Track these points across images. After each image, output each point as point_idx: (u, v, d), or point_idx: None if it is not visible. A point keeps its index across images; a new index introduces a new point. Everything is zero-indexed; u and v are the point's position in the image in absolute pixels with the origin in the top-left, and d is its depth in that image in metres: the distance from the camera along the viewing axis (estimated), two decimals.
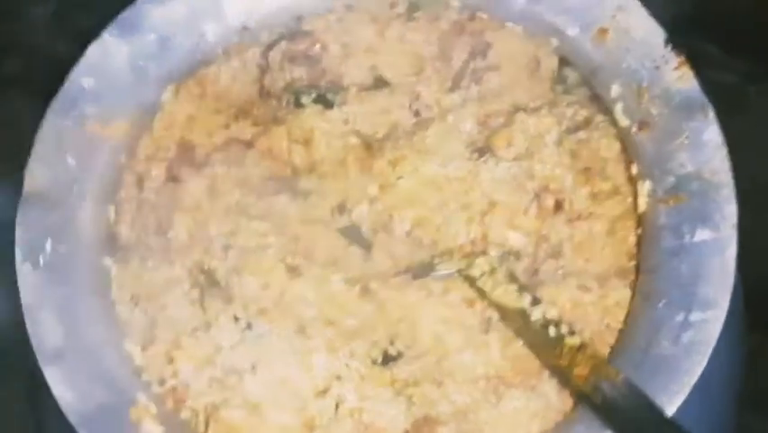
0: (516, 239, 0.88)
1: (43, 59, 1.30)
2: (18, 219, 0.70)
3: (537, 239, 0.88)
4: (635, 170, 0.75)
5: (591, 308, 0.79)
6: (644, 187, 0.74)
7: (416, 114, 0.96)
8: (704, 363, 0.60)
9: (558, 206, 0.87)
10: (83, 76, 0.79)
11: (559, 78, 0.92)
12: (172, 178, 0.95)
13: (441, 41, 0.97)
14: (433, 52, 0.97)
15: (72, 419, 0.62)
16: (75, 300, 0.69)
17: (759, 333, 1.11)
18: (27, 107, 1.10)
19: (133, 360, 0.71)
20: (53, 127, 0.75)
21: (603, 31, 0.79)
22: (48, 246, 0.70)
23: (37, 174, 0.73)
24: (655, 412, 0.57)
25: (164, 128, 0.96)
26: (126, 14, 0.81)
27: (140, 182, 0.94)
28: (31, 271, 0.68)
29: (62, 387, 0.63)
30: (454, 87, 0.96)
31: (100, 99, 0.79)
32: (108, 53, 0.80)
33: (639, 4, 0.75)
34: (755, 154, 0.97)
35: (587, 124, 0.88)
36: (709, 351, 0.60)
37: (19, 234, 0.69)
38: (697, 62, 0.76)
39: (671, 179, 0.70)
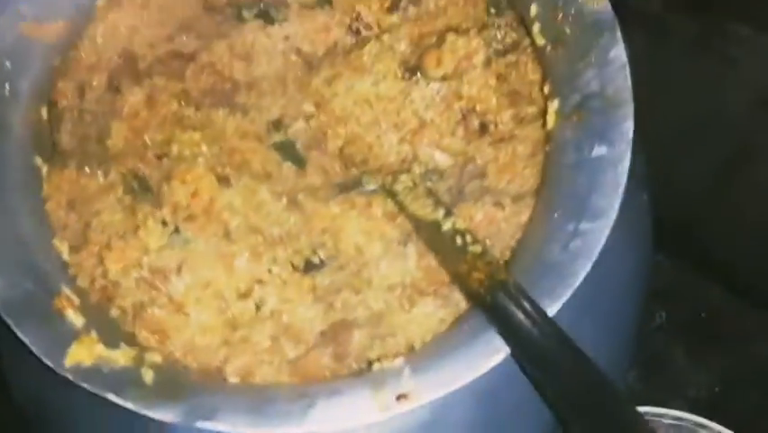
0: (443, 159, 0.92)
1: None
2: None
3: (464, 160, 0.91)
4: (547, 89, 0.79)
5: (505, 225, 0.83)
6: (554, 105, 0.77)
7: (356, 32, 0.99)
8: (588, 268, 0.64)
9: (483, 127, 0.91)
10: None
11: (494, 1, 0.94)
12: (113, 88, 0.97)
13: None
14: None
15: None
16: (5, 196, 0.71)
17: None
18: None
19: (61, 256, 0.74)
20: None
21: None
22: None
23: None
24: (539, 311, 0.61)
25: (106, 38, 0.97)
26: None
27: (81, 91, 0.96)
28: None
29: None
30: (393, 7, 0.98)
31: None
32: None
33: None
34: (674, 81, 1.02)
35: (515, 47, 0.91)
36: (594, 257, 0.65)
37: None
38: None
39: (576, 97, 0.74)
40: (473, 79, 0.89)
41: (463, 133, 0.91)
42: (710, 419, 0.99)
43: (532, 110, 0.90)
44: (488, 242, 0.82)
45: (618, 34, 0.71)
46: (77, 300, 0.69)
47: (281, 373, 0.78)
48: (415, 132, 0.92)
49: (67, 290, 0.69)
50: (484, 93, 0.89)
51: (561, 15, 0.76)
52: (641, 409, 1.01)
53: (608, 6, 0.73)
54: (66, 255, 0.75)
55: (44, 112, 0.83)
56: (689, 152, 1.16)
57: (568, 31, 0.75)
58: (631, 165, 0.74)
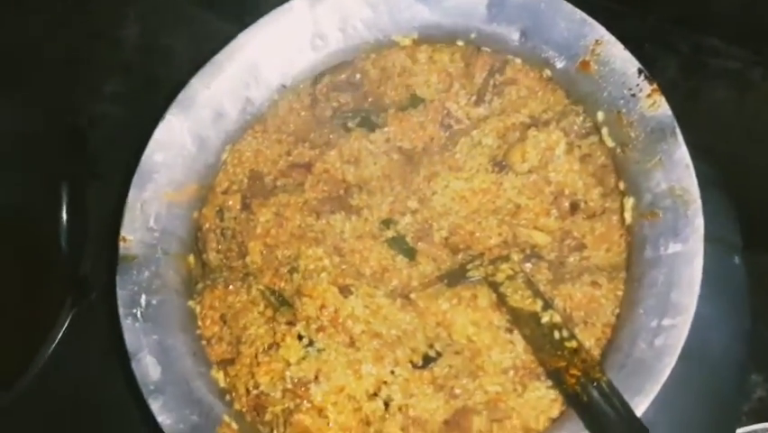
0: (541, 238, 0.99)
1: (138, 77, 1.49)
2: (117, 281, 0.89)
3: (562, 234, 0.98)
4: (621, 186, 0.84)
5: (604, 301, 0.90)
6: (629, 202, 0.83)
7: (448, 127, 1.08)
8: (673, 364, 0.70)
9: (574, 206, 0.97)
10: (155, 152, 0.95)
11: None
12: (246, 207, 1.12)
13: (464, 59, 1.07)
14: (458, 69, 1.08)
15: None
16: (167, 341, 0.87)
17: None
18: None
19: (218, 384, 0.89)
20: (136, 200, 0.93)
21: (585, 63, 0.86)
22: (143, 301, 0.89)
23: (128, 240, 0.92)
24: (629, 411, 0.68)
25: (234, 165, 1.12)
26: (182, 95, 0.97)
27: (220, 213, 1.11)
28: (131, 324, 0.87)
29: (164, 414, 0.82)
30: (479, 100, 1.06)
31: (171, 169, 0.96)
32: (173, 130, 0.96)
33: (615, 38, 0.82)
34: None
35: (597, 129, 0.96)
36: (677, 353, 0.70)
37: (119, 293, 0.88)
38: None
39: (648, 197, 0.79)
40: (558, 167, 0.96)
41: (557, 212, 0.98)
42: None
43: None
44: (588, 320, 0.89)
45: (680, 137, 0.76)
46: (236, 426, 0.83)
47: None
48: (512, 214, 1.00)
49: (227, 418, 0.83)
50: (570, 177, 0.96)
51: (625, 121, 0.81)
52: None
53: (668, 111, 0.78)
54: (222, 383, 0.89)
55: (191, 260, 0.98)
56: None
57: (633, 135, 0.81)
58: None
